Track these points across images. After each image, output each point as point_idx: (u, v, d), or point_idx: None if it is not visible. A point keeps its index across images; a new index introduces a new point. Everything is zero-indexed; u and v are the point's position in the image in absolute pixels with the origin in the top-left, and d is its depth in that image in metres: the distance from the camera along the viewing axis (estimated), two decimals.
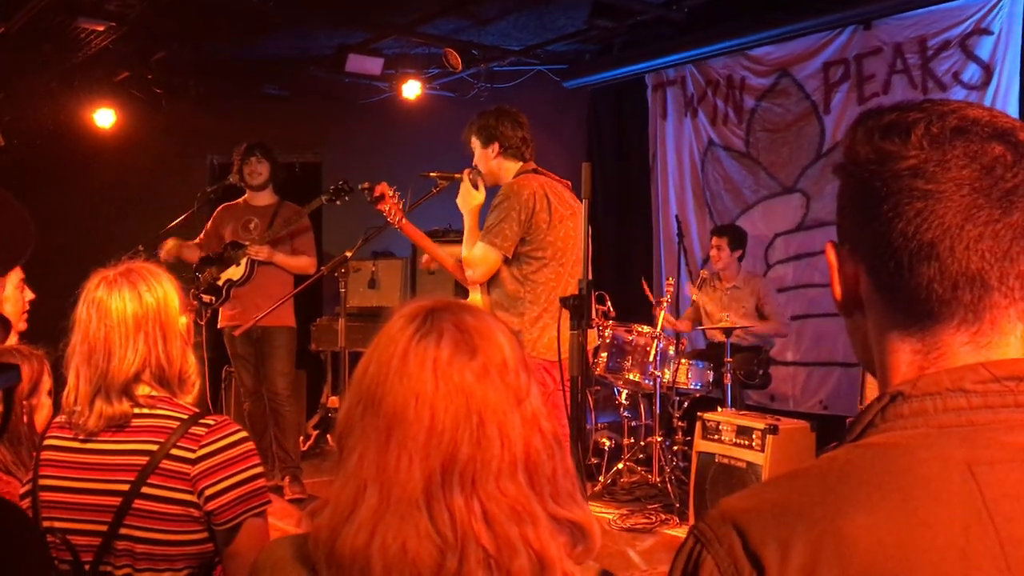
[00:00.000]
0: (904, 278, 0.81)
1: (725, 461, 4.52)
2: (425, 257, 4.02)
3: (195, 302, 5.23)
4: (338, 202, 5.09)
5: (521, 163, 3.68)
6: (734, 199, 6.62)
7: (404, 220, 3.77)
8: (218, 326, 5.36)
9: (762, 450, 4.35)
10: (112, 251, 4.55)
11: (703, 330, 5.94)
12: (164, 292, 1.88)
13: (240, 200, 5.47)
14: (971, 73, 5.30)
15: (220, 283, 5.31)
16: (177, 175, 7.39)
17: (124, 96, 6.99)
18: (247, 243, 5.24)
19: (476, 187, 3.65)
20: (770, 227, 6.32)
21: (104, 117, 6.96)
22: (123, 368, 1.80)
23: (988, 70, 5.23)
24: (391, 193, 3.76)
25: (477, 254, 3.50)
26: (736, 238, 5.89)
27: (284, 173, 5.51)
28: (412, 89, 6.98)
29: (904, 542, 0.73)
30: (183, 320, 1.90)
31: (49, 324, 2.15)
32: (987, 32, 5.23)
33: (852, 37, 5.84)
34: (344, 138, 7.51)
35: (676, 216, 6.66)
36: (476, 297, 3.68)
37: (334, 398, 6.64)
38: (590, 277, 2.62)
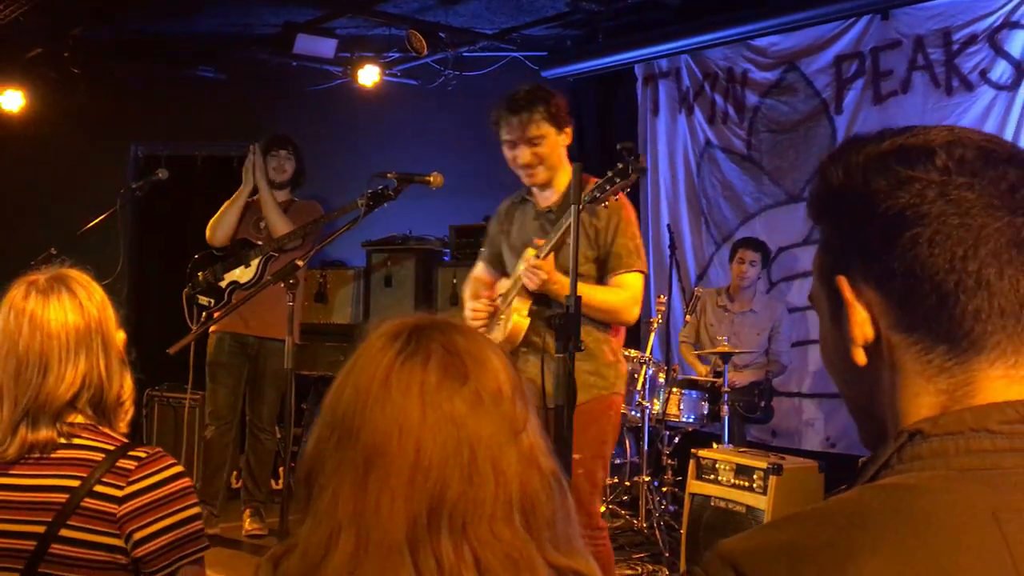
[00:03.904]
0: (946, 310, 0.85)
1: (722, 505, 4.54)
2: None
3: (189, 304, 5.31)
4: (376, 209, 5.01)
5: None
6: (734, 208, 6.66)
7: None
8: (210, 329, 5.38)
9: (764, 492, 4.37)
10: (17, 255, 4.47)
11: (701, 355, 5.96)
12: (103, 302, 1.87)
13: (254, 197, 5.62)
14: (1001, 71, 5.35)
15: (224, 284, 5.40)
16: (95, 168, 7.33)
17: (35, 76, 6.93)
18: (260, 243, 5.40)
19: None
20: (773, 240, 6.36)
21: (11, 100, 6.89)
22: (60, 388, 1.78)
23: (1020, 68, 5.28)
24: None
25: (636, 287, 3.33)
26: (767, 253, 5.91)
27: (304, 174, 5.69)
28: (369, 75, 6.96)
29: None
30: (121, 335, 1.88)
31: None
32: (1018, 26, 5.28)
33: (868, 28, 5.91)
34: (290, 129, 7.43)
35: (668, 226, 6.70)
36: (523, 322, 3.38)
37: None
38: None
